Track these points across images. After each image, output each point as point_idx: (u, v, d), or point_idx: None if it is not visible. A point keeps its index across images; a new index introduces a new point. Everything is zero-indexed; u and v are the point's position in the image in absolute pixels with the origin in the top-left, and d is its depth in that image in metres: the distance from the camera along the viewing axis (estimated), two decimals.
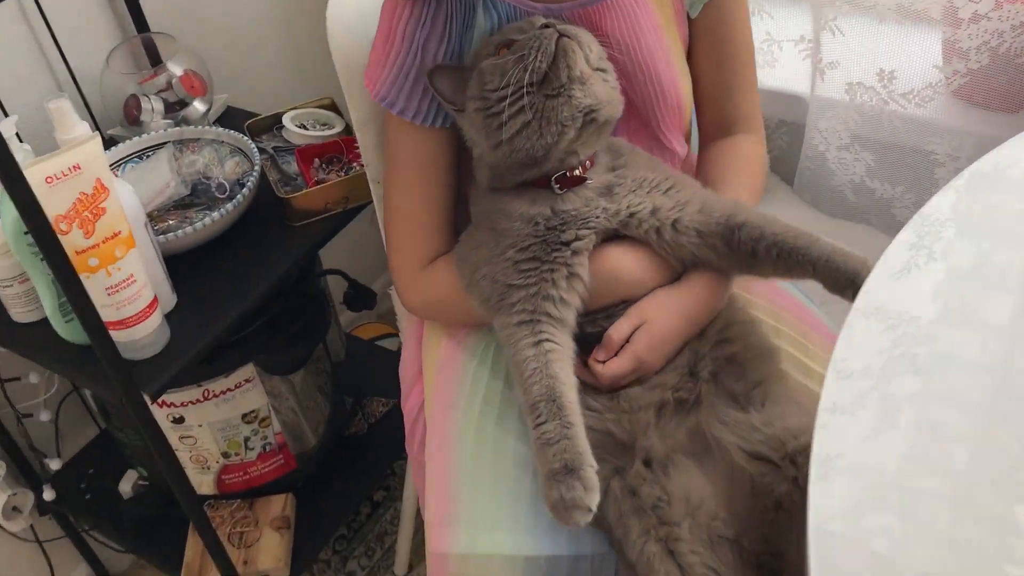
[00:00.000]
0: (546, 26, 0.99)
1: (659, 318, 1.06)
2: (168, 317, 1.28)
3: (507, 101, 0.97)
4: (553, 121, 0.97)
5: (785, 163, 1.63)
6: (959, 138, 1.38)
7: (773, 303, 1.20)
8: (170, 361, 1.24)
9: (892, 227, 1.52)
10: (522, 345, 1.01)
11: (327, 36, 1.22)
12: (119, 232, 1.15)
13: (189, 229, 1.33)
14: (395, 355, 1.97)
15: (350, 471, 1.77)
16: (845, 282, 0.98)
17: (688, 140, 1.23)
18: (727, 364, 1.06)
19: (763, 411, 1.00)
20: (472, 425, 1.11)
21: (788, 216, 1.55)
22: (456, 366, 1.19)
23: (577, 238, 1.03)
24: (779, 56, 1.53)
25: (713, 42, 1.16)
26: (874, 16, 1.34)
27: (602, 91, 1.00)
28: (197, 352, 1.26)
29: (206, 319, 1.30)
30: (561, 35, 0.98)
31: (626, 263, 1.06)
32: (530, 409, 0.95)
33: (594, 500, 0.88)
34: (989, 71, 1.31)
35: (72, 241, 1.11)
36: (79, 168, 1.10)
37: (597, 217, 1.03)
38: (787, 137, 1.62)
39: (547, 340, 1.01)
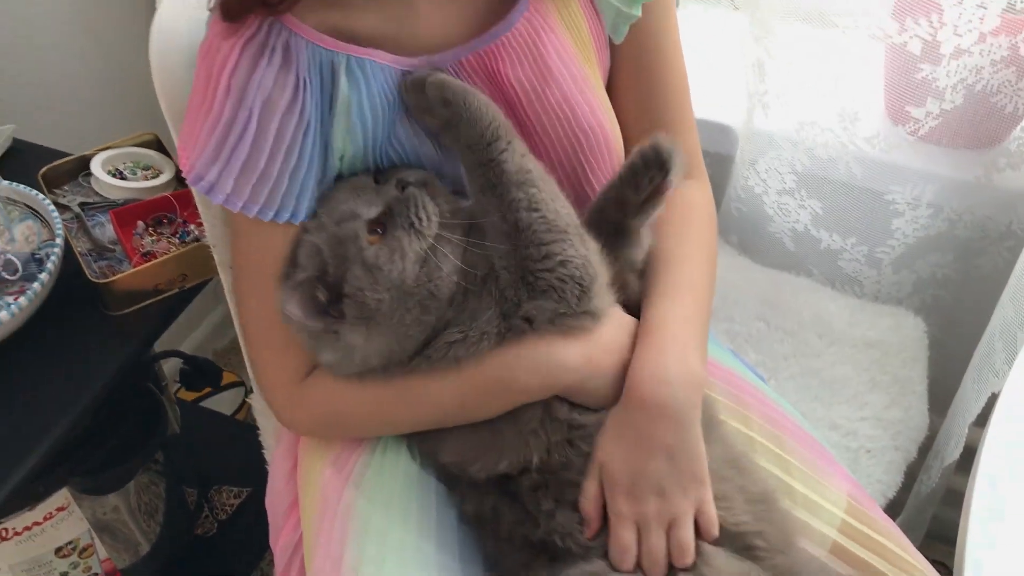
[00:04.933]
0: (401, 185, 0.79)
1: (612, 458, 0.82)
2: None
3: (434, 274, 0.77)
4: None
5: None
6: (922, 183, 1.19)
7: (739, 400, 0.98)
8: None
9: (837, 279, 1.33)
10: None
11: (148, 60, 0.90)
12: None
13: None
14: (242, 427, 1.65)
15: None
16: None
17: None
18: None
19: None
20: None
21: None
22: (346, 509, 0.92)
23: None
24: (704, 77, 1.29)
25: (640, 70, 0.94)
26: (831, 44, 1.12)
27: None
28: None
29: None
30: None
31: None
32: None
33: None
34: (962, 110, 1.13)
35: None
36: None
37: None
38: (709, 170, 1.39)
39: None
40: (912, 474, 1.25)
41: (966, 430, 1.17)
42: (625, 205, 0.84)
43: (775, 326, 1.27)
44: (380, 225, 0.77)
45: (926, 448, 1.28)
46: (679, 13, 0.96)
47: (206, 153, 0.79)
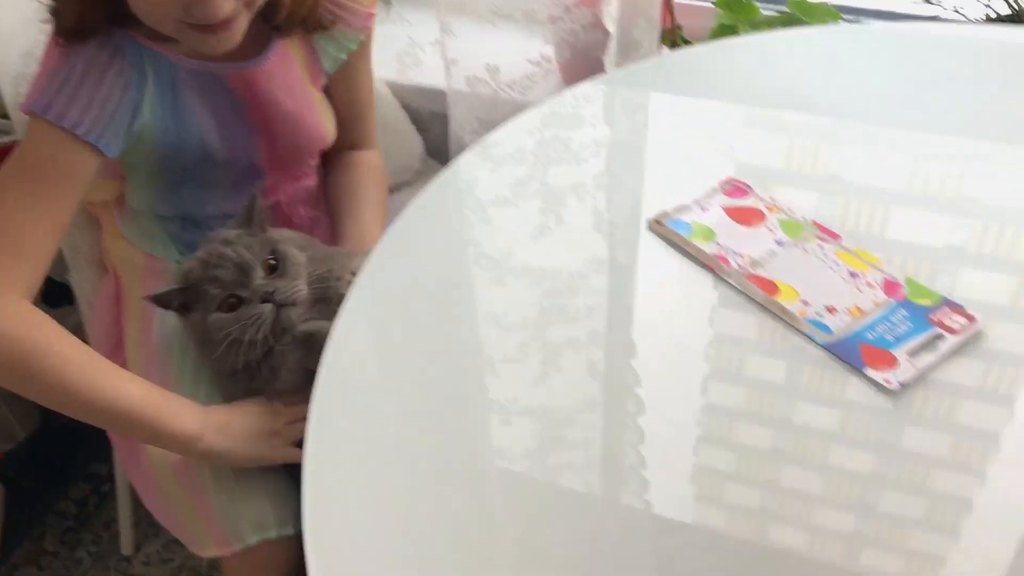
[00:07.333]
0: (265, 299, 1.09)
1: None
2: None
3: (232, 353, 1.11)
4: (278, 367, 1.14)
5: (440, 149, 1.89)
6: None
7: None
8: None
9: None
10: None
11: None
12: None
13: None
14: None
15: (64, 459, 1.86)
16: None
17: None
18: None
19: None
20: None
21: None
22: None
23: None
24: (422, 57, 1.78)
25: (345, 87, 1.40)
26: (477, 20, 1.61)
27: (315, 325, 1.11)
28: None
29: None
30: (280, 306, 1.09)
31: None
32: None
33: None
34: (572, 63, 1.61)
35: None
36: None
37: None
38: (438, 127, 1.88)
39: None
40: None
41: None
42: None
43: None
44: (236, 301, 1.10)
45: None
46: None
47: (49, 89, 1.06)
